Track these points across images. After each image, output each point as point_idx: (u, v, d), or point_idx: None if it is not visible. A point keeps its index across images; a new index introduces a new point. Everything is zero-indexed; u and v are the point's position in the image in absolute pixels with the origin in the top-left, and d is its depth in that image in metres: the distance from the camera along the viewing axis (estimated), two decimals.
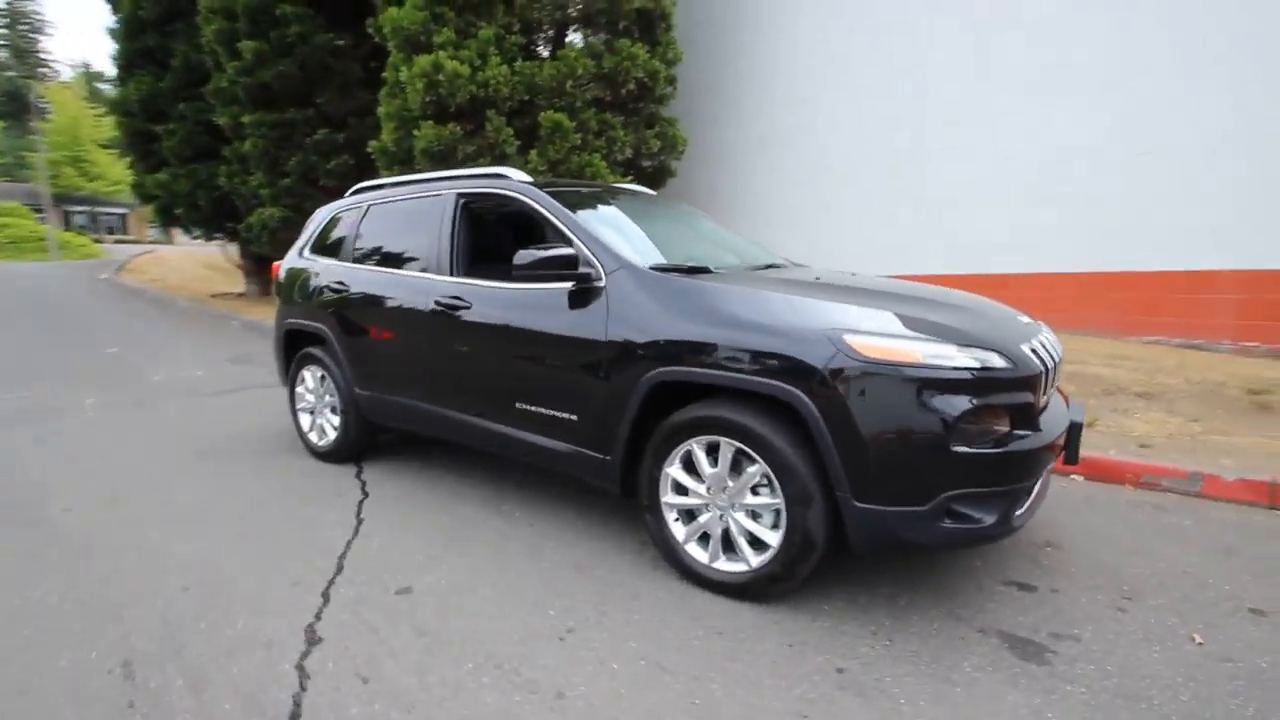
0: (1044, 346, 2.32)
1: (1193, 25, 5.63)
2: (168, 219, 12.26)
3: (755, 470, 2.21)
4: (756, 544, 2.28)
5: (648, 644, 2.08)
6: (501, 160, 7.74)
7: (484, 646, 2.08)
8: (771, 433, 2.15)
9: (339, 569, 2.60)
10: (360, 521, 3.07)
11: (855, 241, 8.44)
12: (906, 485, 2.00)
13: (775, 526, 2.23)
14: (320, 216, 4.15)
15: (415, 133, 7.54)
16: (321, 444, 3.93)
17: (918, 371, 1.98)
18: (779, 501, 2.17)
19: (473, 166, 7.78)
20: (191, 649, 2.07)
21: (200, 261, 18.70)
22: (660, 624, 2.19)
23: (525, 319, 2.79)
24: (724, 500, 2.32)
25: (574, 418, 2.66)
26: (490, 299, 2.94)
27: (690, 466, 2.39)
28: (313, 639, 2.12)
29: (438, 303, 3.10)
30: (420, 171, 8.08)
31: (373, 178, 11.14)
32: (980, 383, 2.01)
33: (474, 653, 2.04)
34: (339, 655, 2.03)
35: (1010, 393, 2.07)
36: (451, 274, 3.17)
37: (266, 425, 4.75)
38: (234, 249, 13.16)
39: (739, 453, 2.25)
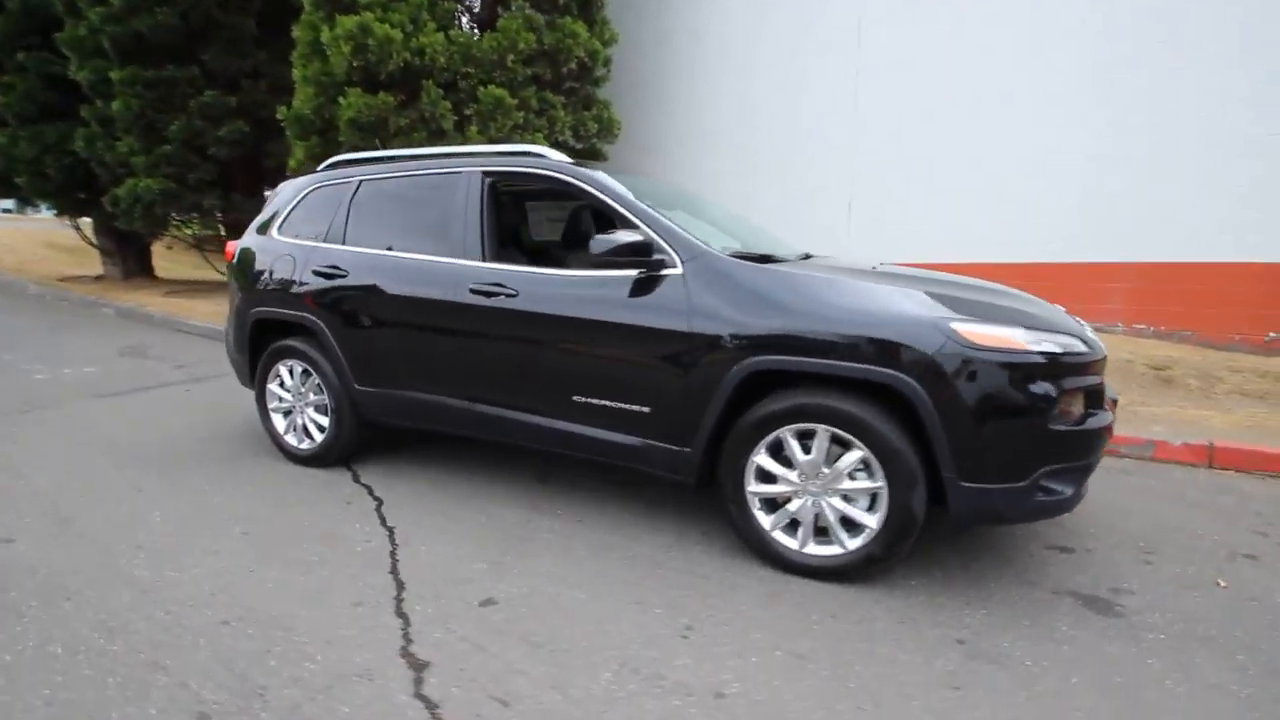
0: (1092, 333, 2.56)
1: None
2: (6, 189, 10.31)
3: (855, 455, 2.27)
4: (849, 527, 2.35)
5: (772, 634, 2.08)
6: (439, 136, 7.26)
7: (610, 653, 1.98)
8: (875, 418, 2.21)
9: (399, 584, 2.36)
10: (391, 530, 2.80)
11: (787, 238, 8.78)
12: (1009, 463, 2.14)
13: (870, 509, 2.31)
14: (288, 192, 3.67)
15: (341, 100, 6.88)
16: (304, 447, 3.52)
17: (1021, 356, 2.12)
18: (879, 484, 2.24)
19: (405, 140, 7.22)
20: (275, 693, 1.80)
21: (38, 240, 15.95)
22: (772, 613, 2.20)
23: (585, 308, 2.65)
24: (817, 486, 2.36)
25: (646, 410, 2.58)
26: (541, 286, 2.76)
27: (777, 454, 2.41)
28: (416, 664, 1.92)
29: (473, 290, 2.86)
30: (346, 143, 7.42)
31: (276, 147, 10.08)
32: (1069, 366, 2.19)
33: (604, 660, 1.94)
34: (458, 678, 1.85)
35: (1087, 375, 2.27)
36: (483, 259, 2.94)
37: (205, 427, 4.20)
38: (88, 224, 11.35)
39: (834, 438, 2.30)
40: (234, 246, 3.82)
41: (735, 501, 2.48)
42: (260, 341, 3.63)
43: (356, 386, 3.29)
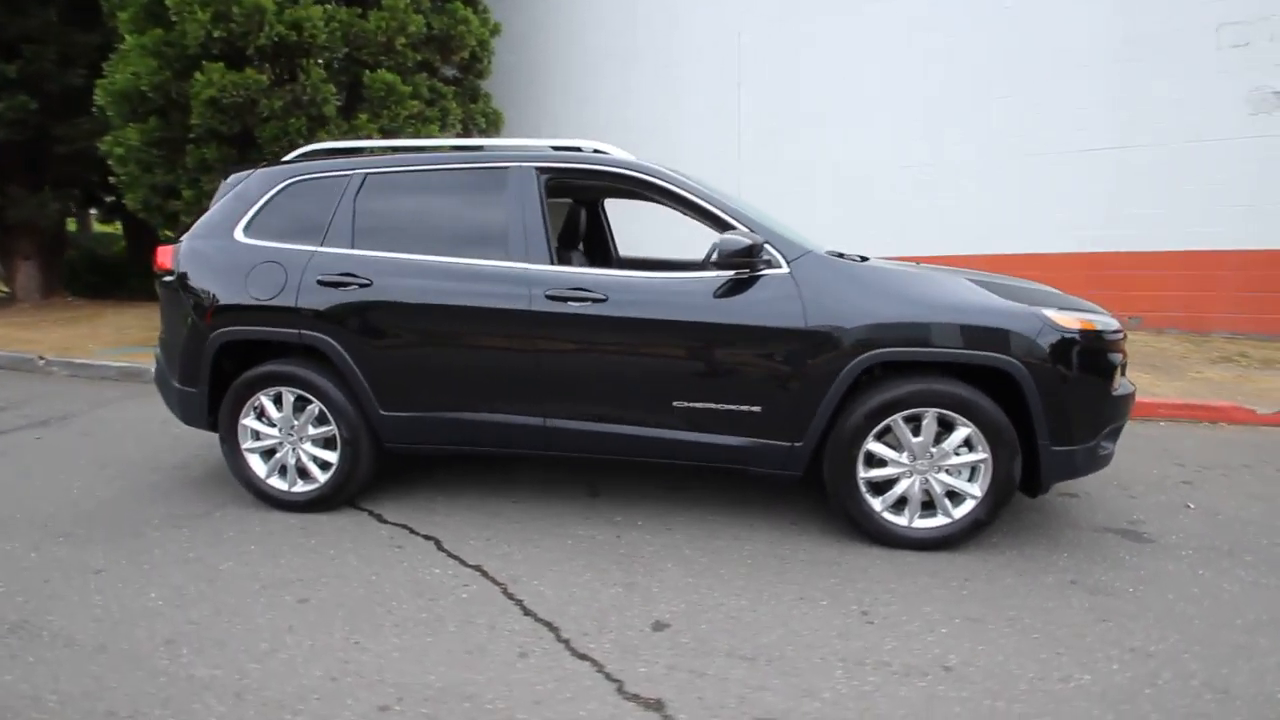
0: None
1: None
2: None
3: (961, 433, 2.51)
4: (952, 499, 2.59)
5: (938, 605, 2.23)
6: (319, 122, 6.40)
7: (821, 650, 1.99)
8: (981, 398, 2.46)
9: (549, 624, 2.12)
10: (479, 568, 2.49)
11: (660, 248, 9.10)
12: (1086, 427, 2.52)
13: (970, 480, 2.57)
14: (256, 186, 3.02)
15: (197, 76, 5.76)
16: (299, 490, 2.96)
17: (1093, 336, 2.50)
18: (984, 456, 2.50)
19: (280, 125, 6.16)
20: None
21: None
22: (918, 585, 2.35)
23: (687, 310, 2.58)
24: (925, 465, 2.56)
25: (757, 409, 2.58)
26: (632, 290, 2.62)
27: (882, 439, 2.57)
28: (650, 704, 1.76)
29: (551, 296, 2.63)
30: (201, 125, 6.15)
31: (69, 130, 8.05)
32: (1116, 341, 2.63)
33: (823, 660, 1.94)
34: (704, 707, 1.74)
35: (1121, 348, 2.74)
36: (552, 262, 2.71)
37: (112, 480, 3.39)
38: None
39: (940, 419, 2.52)
40: (167, 253, 3.07)
41: (845, 487, 2.59)
42: (225, 369, 2.97)
43: (382, 412, 2.84)
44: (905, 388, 2.49)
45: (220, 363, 2.96)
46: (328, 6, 6.32)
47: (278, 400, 2.94)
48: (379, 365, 2.81)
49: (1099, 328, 2.53)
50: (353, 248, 2.85)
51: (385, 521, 2.91)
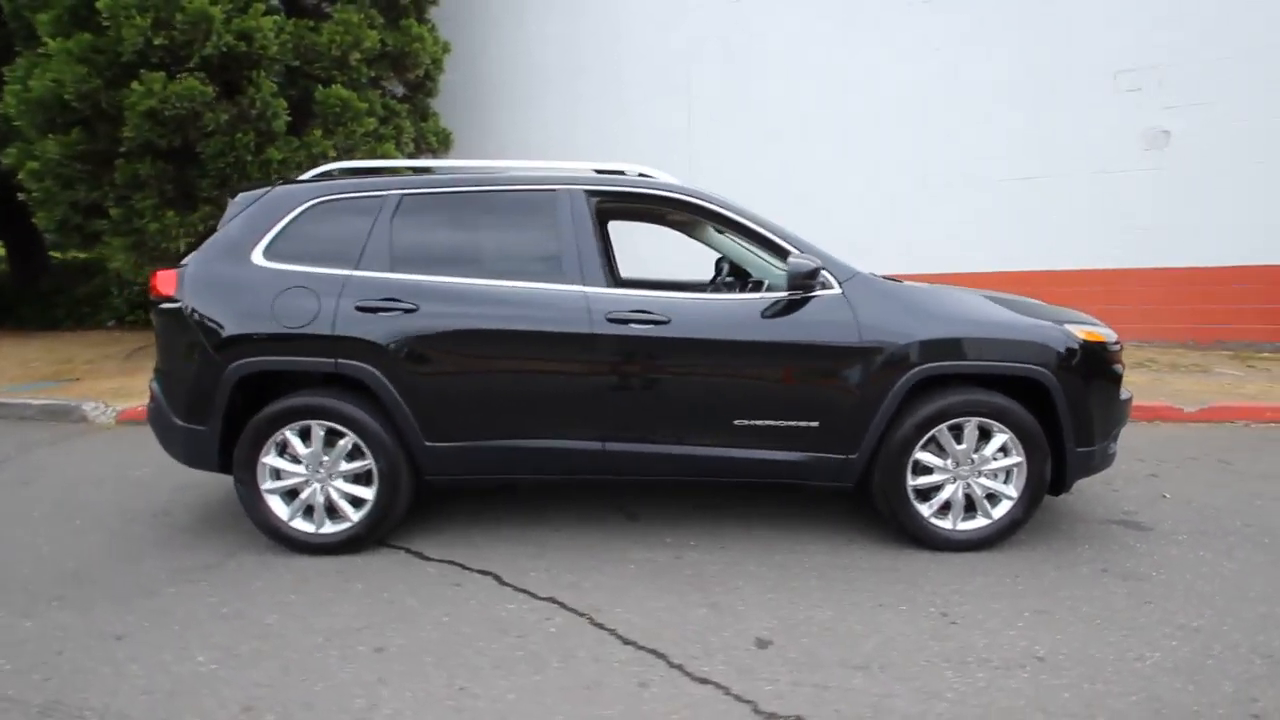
0: None
1: None
2: None
3: (1000, 439, 2.70)
4: (991, 500, 2.78)
5: (1004, 602, 2.37)
6: (269, 137, 6.02)
7: (923, 654, 2.07)
8: (1016, 406, 2.67)
9: (655, 652, 2.09)
10: (554, 600, 2.41)
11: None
12: (1102, 429, 2.78)
13: (1005, 482, 2.77)
14: (276, 207, 2.81)
15: (134, 85, 5.28)
16: (327, 531, 2.75)
17: (1108, 347, 2.78)
18: (1019, 460, 2.71)
19: (226, 139, 5.68)
20: None
21: None
22: (978, 585, 2.50)
23: (748, 330, 2.64)
24: (968, 470, 2.74)
25: (814, 424, 2.68)
26: (694, 311, 2.66)
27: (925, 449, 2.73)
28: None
29: (612, 319, 2.61)
30: (136, 138, 5.56)
31: None
32: (1119, 351, 2.93)
33: (929, 662, 2.03)
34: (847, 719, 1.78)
35: (1120, 358, 3.05)
36: (609, 285, 2.70)
37: (108, 529, 3.03)
38: None
39: (980, 427, 2.71)
40: (169, 278, 2.79)
41: (896, 496, 2.73)
42: (242, 404, 2.73)
43: (426, 443, 2.70)
44: (951, 399, 2.67)
45: (235, 398, 2.72)
46: (277, 18, 5.98)
47: (304, 435, 2.73)
48: (425, 394, 2.68)
49: (1106, 339, 2.82)
50: (392, 271, 2.72)
51: (428, 559, 2.76)
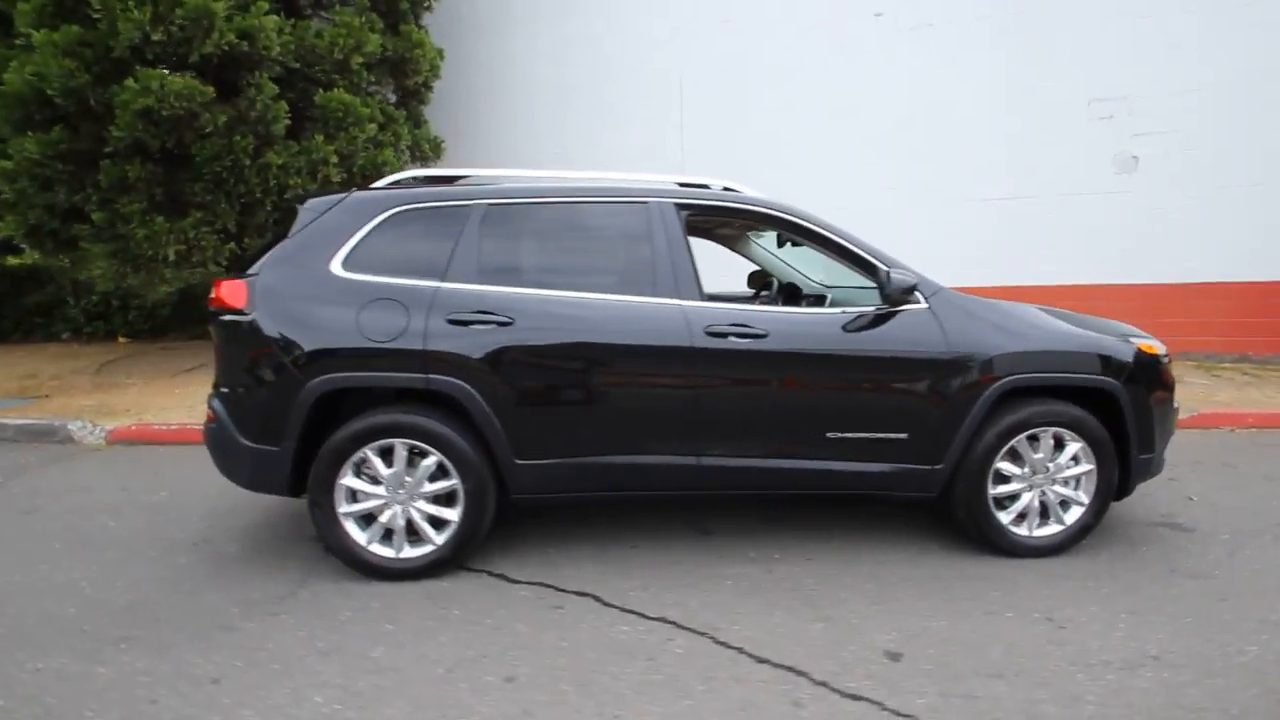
0: None
1: None
2: None
3: (1074, 447, 2.82)
4: (1063, 507, 2.89)
5: (1099, 605, 2.46)
6: (267, 141, 5.76)
7: (1050, 661, 2.13)
8: (1088, 416, 2.80)
9: (792, 669, 2.08)
10: (665, 620, 2.37)
11: None
12: (1158, 436, 2.94)
13: (1076, 489, 2.89)
14: (354, 215, 2.68)
15: (129, 82, 4.96)
16: (408, 555, 2.63)
17: (1162, 360, 2.95)
18: (1091, 467, 2.83)
19: (223, 142, 5.36)
20: None
21: None
22: (1068, 589, 2.58)
23: (844, 343, 2.69)
24: (1043, 479, 2.84)
25: (903, 436, 2.73)
26: (791, 325, 2.68)
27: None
28: None
29: (711, 333, 2.60)
30: (126, 138, 5.19)
31: None
32: (1170, 363, 3.10)
33: (1058, 665, 2.08)
34: None
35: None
36: (701, 298, 2.69)
37: (133, 559, 2.84)
38: None
39: (1055, 436, 2.82)
40: (237, 289, 2.62)
41: (978, 504, 2.79)
42: (319, 423, 2.58)
43: (517, 461, 2.62)
44: (1033, 409, 2.76)
45: (312, 417, 2.57)
46: (278, 18, 5.74)
47: (385, 454, 2.61)
48: (518, 410, 2.60)
49: (1159, 352, 2.99)
50: (481, 283, 2.63)
51: (515, 581, 2.67)
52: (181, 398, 5.74)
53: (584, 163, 8.98)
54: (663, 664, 2.12)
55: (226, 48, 5.22)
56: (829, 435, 2.72)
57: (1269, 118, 6.90)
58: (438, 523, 2.67)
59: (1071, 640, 2.24)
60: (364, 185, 2.92)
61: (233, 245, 5.88)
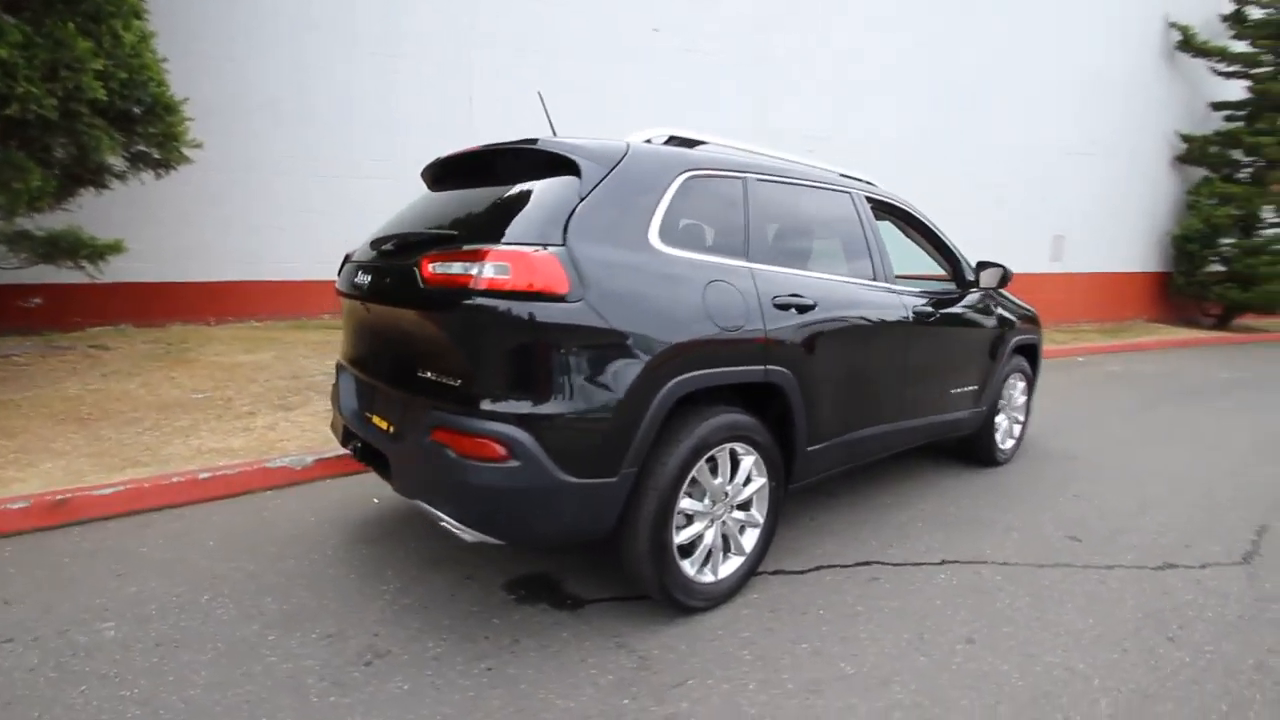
0: None
1: None
2: None
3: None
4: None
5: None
6: None
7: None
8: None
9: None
10: (985, 565, 2.65)
11: None
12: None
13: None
14: (652, 174, 2.05)
15: None
16: (725, 574, 2.27)
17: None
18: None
19: None
20: None
21: None
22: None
23: (969, 316, 3.43)
24: (1017, 412, 4.11)
25: (975, 386, 3.55)
26: (943, 304, 3.23)
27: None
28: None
29: (917, 312, 2.96)
30: None
31: None
32: None
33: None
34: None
35: None
36: (891, 282, 3.00)
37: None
38: None
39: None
40: (549, 266, 1.76)
41: (989, 437, 3.85)
42: (669, 425, 2.01)
43: (808, 448, 2.51)
44: (1022, 354, 3.96)
45: (669, 418, 1.99)
46: None
47: (715, 464, 2.18)
48: (816, 396, 2.49)
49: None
50: (776, 264, 2.41)
51: (801, 572, 2.55)
52: None
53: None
54: (1065, 610, 2.33)
55: None
56: (952, 391, 3.41)
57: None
58: (745, 531, 2.37)
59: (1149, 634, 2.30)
60: None
61: None
